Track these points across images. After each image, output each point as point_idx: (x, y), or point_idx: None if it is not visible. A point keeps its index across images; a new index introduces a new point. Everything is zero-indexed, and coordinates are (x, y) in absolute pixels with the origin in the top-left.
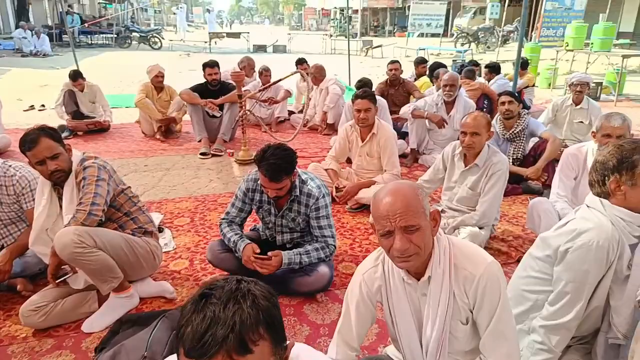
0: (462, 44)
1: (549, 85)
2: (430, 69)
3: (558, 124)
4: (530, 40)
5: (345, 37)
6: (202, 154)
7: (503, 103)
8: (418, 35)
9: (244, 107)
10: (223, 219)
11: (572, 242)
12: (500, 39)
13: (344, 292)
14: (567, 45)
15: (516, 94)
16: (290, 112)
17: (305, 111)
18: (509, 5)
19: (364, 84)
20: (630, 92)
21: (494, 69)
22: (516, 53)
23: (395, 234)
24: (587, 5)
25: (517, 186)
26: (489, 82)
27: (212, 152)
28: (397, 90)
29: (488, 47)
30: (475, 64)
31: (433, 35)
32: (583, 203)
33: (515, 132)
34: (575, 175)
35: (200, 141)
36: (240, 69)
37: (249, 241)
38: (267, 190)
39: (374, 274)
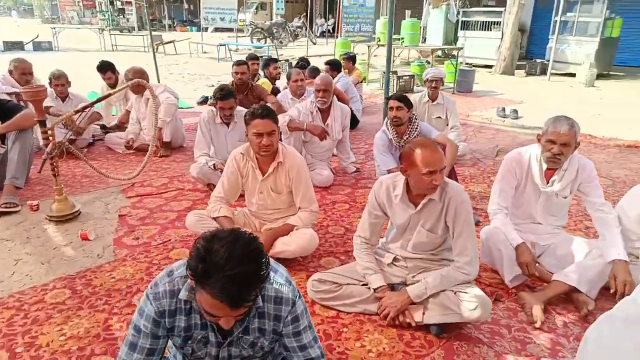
0: (259, 39)
1: (364, 79)
2: (263, 67)
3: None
4: (339, 36)
5: (121, 32)
6: None
7: (391, 108)
8: (212, 30)
9: (52, 138)
10: None
11: None
12: (291, 34)
13: None
14: (379, 41)
15: (406, 97)
16: (104, 128)
17: (156, 128)
18: (287, 1)
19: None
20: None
21: (335, 66)
22: (332, 49)
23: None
24: (389, 3)
25: None
26: None
27: None
28: (246, 97)
29: (281, 42)
30: (306, 61)
31: (226, 29)
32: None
33: (410, 139)
34: (517, 184)
35: None
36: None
37: None
38: (213, 318)
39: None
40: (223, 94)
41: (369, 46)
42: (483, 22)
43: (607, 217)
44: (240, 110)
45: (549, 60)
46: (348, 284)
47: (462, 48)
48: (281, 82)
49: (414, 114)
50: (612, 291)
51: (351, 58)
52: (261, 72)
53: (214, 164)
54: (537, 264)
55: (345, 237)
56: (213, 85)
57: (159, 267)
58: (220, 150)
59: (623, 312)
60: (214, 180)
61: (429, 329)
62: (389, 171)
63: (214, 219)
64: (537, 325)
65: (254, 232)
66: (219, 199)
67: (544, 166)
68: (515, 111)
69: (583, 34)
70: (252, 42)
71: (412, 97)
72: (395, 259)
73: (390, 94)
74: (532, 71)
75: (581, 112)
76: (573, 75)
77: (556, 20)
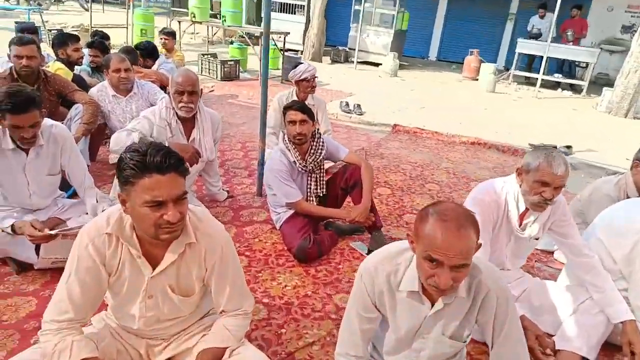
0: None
1: None
2: (57, 44)
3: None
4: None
5: None
6: None
7: (293, 122)
8: None
9: None
10: None
11: None
12: None
13: None
14: (194, 17)
15: (307, 106)
16: None
17: None
18: None
19: None
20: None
21: (150, 53)
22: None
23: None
24: None
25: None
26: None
27: None
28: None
29: (39, 5)
30: (102, 35)
31: None
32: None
33: (317, 160)
34: (492, 227)
35: None
36: None
37: None
38: None
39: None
40: (17, 103)
41: (179, 22)
42: (286, 4)
43: (593, 262)
44: (51, 126)
45: (350, 49)
46: None
47: (289, 33)
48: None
49: (317, 128)
50: (626, 359)
51: (172, 34)
52: (47, 53)
53: (11, 225)
54: None
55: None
56: None
57: None
58: (18, 195)
59: None
60: (21, 254)
61: None
62: (291, 205)
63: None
64: None
65: None
66: (65, 324)
67: (522, 208)
68: (359, 106)
69: (381, 25)
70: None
71: (276, 99)
72: None
73: (284, 101)
74: (336, 58)
75: (410, 105)
76: (375, 64)
77: (357, 10)
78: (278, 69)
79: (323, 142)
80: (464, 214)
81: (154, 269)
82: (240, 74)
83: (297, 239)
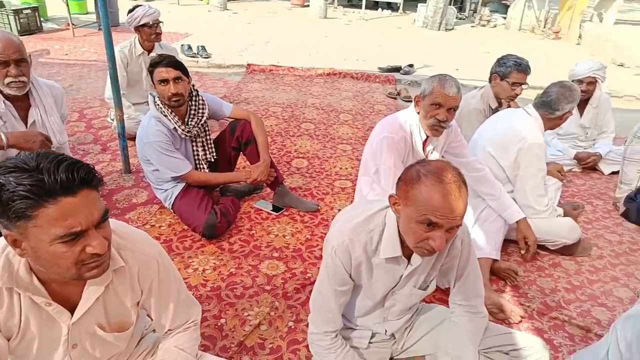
0: None
1: None
2: None
3: (134, 83)
4: None
5: None
6: None
7: (165, 81)
8: None
9: None
10: None
11: None
12: None
13: None
14: None
15: (179, 61)
16: None
17: None
18: None
19: None
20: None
21: None
22: None
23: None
24: None
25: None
26: None
27: None
28: None
29: None
30: None
31: None
32: None
33: (200, 122)
34: (402, 159)
35: None
36: None
37: None
38: None
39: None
40: None
41: None
42: None
43: (485, 174)
44: None
45: None
46: None
47: None
48: None
49: (193, 84)
50: (522, 252)
51: None
52: None
53: None
54: None
55: None
56: None
57: None
58: None
59: None
60: None
61: None
62: (182, 177)
63: None
64: (519, 319)
65: None
66: None
67: (424, 136)
68: (204, 48)
69: None
70: None
71: (120, 52)
72: (372, 335)
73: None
74: None
75: (255, 41)
76: None
77: None
78: (87, 12)
79: (203, 100)
80: (458, 173)
81: (72, 311)
82: (42, 24)
83: (201, 215)
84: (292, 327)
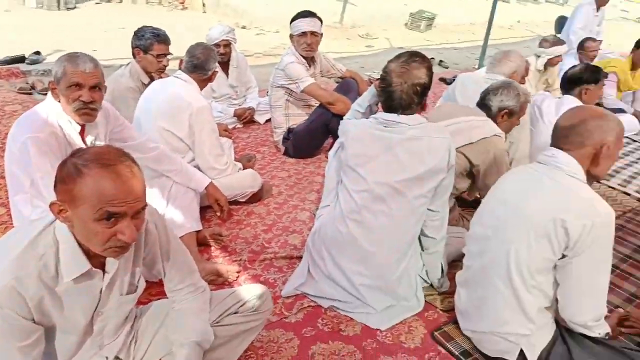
0: None
1: None
2: None
3: None
4: None
5: None
6: None
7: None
8: None
9: None
10: None
11: None
12: None
13: None
14: None
15: None
16: None
17: None
18: None
19: None
20: None
21: None
22: None
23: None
24: None
25: None
26: None
27: None
28: None
29: None
30: None
31: None
32: None
33: None
34: (61, 159)
35: None
36: None
37: None
38: None
39: None
40: None
41: None
42: None
43: (162, 151)
44: None
45: None
46: None
47: None
48: None
49: None
50: (219, 214)
51: None
52: None
53: None
54: None
55: None
56: None
57: None
58: None
59: None
60: None
61: None
62: None
63: None
64: (235, 275)
65: None
66: None
67: (77, 127)
68: None
69: None
70: None
71: None
72: None
73: None
74: None
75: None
76: None
77: None
78: None
79: None
80: (121, 152)
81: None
82: None
83: None
84: None
